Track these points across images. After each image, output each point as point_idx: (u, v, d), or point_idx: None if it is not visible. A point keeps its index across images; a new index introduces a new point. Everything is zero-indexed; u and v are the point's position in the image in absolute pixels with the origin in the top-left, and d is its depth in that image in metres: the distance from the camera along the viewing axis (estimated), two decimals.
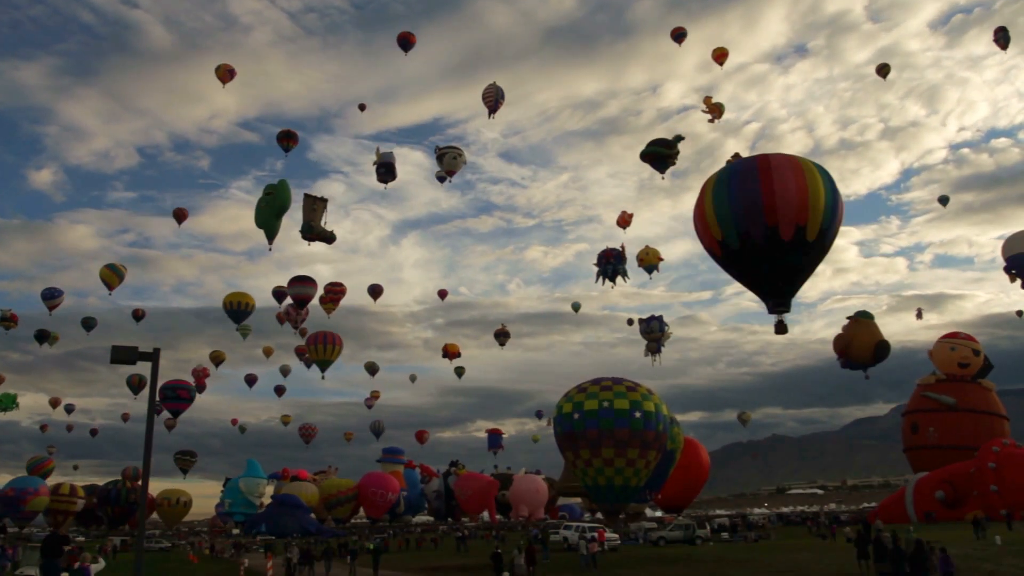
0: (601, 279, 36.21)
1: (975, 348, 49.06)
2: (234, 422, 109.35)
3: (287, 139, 47.03)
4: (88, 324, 72.83)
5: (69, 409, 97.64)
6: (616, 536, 44.39)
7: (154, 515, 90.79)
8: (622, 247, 37.10)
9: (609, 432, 21.34)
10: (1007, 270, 41.08)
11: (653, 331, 39.20)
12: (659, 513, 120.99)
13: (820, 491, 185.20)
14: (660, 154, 30.33)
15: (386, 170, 40.91)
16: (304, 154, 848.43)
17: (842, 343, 37.18)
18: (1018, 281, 39.56)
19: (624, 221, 44.11)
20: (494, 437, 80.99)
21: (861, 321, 37.54)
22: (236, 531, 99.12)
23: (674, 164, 30.90)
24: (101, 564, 20.50)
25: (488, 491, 71.16)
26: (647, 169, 29.59)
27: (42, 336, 72.29)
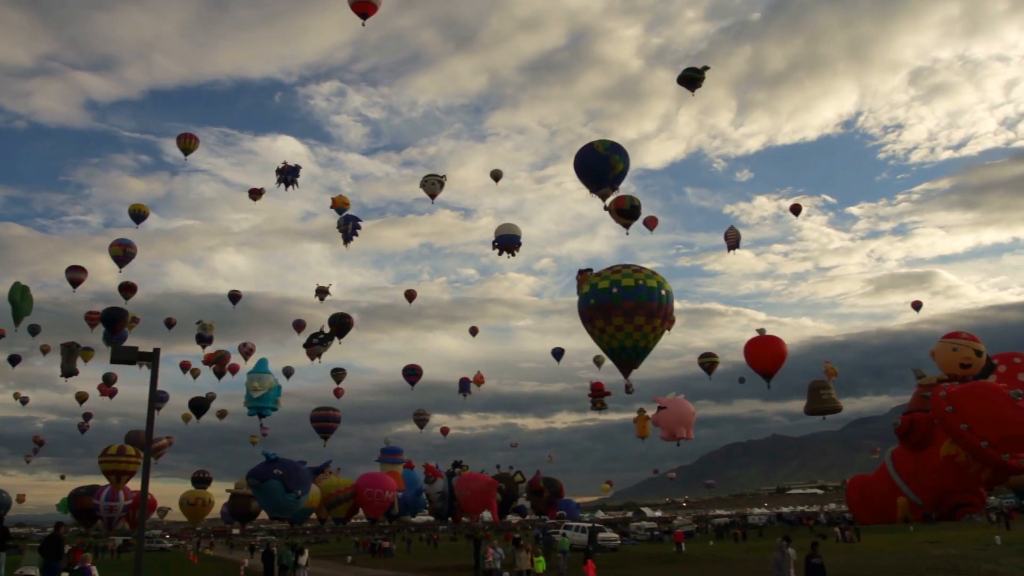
0: (282, 185, 44.63)
1: (977, 348, 49.12)
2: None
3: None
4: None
5: (24, 401, 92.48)
6: (616, 536, 44.50)
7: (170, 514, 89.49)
8: (297, 166, 45.05)
9: (618, 304, 26.78)
10: (494, 246, 45.22)
11: (339, 225, 46.85)
12: (659, 513, 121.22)
13: (820, 491, 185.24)
14: (692, 77, 36.30)
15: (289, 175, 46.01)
16: (161, 157, 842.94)
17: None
18: (505, 255, 44.89)
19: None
20: (464, 383, 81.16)
21: (591, 273, 44.23)
22: (236, 531, 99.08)
23: (700, 86, 36.91)
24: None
25: (488, 491, 71.23)
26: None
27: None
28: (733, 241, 51.10)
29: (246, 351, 70.87)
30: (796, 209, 64.22)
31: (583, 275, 43.44)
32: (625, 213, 37.72)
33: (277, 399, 48.50)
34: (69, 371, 54.86)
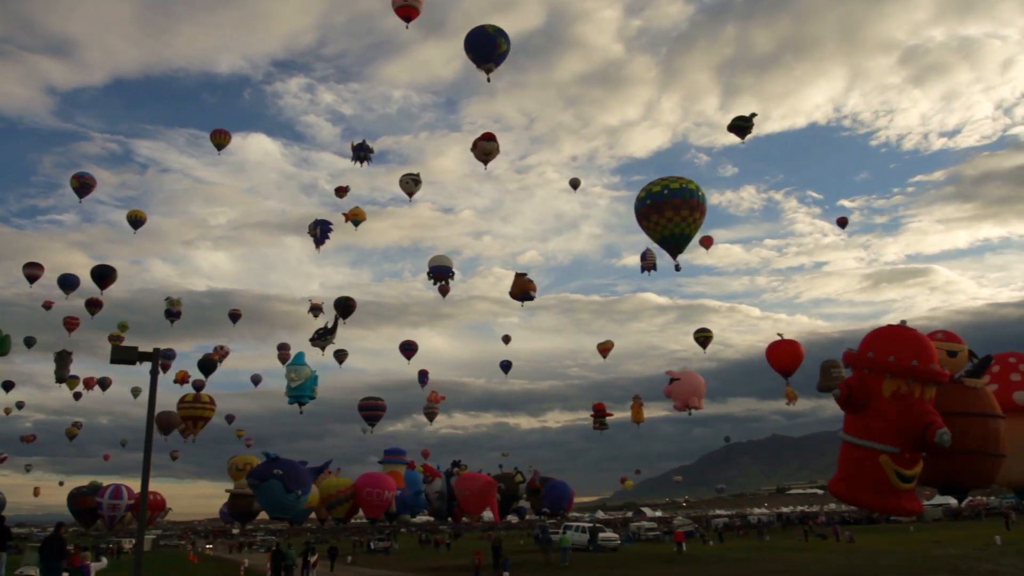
0: (357, 162, 47.47)
1: (949, 349, 48.61)
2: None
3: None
4: None
5: (20, 405, 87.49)
6: (616, 536, 44.57)
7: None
8: (364, 140, 47.71)
9: (669, 201, 34.55)
10: (429, 276, 49.31)
11: (310, 230, 48.65)
12: (659, 513, 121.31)
13: (820, 491, 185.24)
14: (741, 125, 40.69)
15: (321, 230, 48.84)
16: (132, 158, 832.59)
17: (520, 288, 47.51)
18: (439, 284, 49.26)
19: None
20: (422, 375, 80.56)
21: (525, 277, 48.63)
22: (236, 531, 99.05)
23: (750, 133, 41.17)
24: (103, 563, 20.47)
25: (487, 491, 71.12)
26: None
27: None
28: (650, 264, 54.50)
29: (222, 354, 72.06)
30: (843, 222, 65.19)
31: (519, 277, 47.29)
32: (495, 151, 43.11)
33: (314, 388, 49.97)
34: (62, 377, 57.12)
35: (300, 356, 52.80)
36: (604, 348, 70.41)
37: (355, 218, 52.16)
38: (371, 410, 71.59)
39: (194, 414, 69.62)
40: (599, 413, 58.14)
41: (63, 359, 57.31)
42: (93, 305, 60.63)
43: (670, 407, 46.09)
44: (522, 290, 46.92)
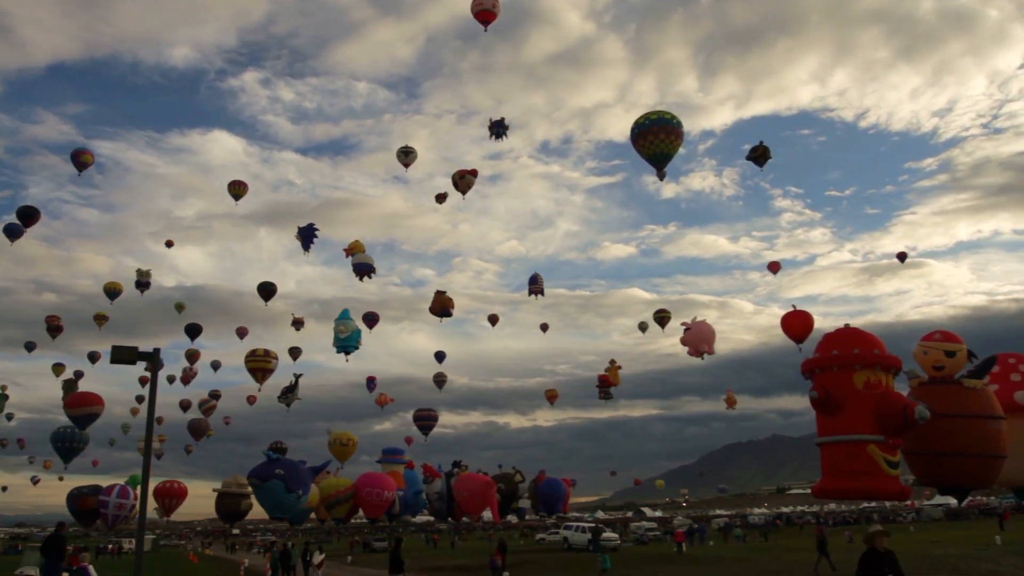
0: (493, 136, 48.94)
1: (948, 349, 48.29)
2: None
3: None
4: None
5: (9, 417, 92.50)
6: (616, 536, 44.58)
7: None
8: (503, 119, 49.17)
9: (651, 128, 42.40)
10: (355, 271, 51.20)
11: (296, 236, 49.29)
12: (659, 513, 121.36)
13: None
14: (756, 157, 45.42)
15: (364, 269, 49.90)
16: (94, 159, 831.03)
17: (440, 304, 50.24)
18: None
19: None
20: (370, 381, 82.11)
21: (444, 295, 51.64)
22: (236, 531, 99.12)
23: (770, 158, 45.73)
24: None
25: (486, 491, 71.15)
26: None
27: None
28: (539, 288, 55.20)
29: (191, 374, 73.91)
30: (902, 256, 66.18)
31: (439, 294, 50.60)
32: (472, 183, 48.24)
33: (359, 340, 53.21)
34: (67, 394, 60.11)
35: (346, 312, 55.17)
36: (551, 395, 73.84)
37: (355, 252, 53.28)
38: (425, 420, 76.63)
39: (259, 366, 72.87)
40: (604, 384, 60.87)
41: (70, 387, 60.79)
42: (55, 329, 63.56)
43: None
44: (442, 307, 49.47)
